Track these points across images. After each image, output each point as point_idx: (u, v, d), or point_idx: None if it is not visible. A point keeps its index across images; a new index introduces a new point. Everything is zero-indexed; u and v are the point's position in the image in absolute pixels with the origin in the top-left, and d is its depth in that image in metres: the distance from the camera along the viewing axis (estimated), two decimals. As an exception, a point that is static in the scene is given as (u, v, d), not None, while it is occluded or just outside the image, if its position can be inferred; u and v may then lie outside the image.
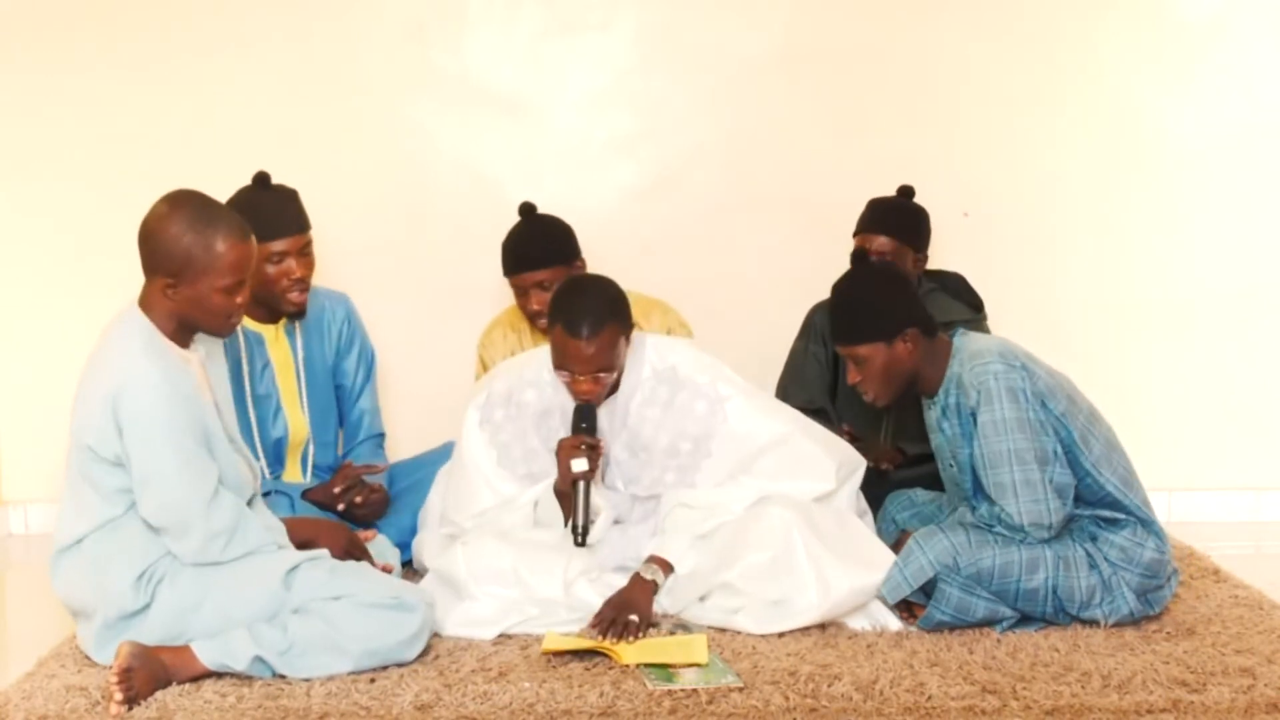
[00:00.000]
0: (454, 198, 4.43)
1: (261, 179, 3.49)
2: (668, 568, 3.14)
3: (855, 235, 3.92)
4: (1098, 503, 3.12)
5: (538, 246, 3.72)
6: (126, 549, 2.82)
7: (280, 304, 3.49)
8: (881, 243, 3.82)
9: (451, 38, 4.40)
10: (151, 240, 2.78)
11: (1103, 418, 3.19)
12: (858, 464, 3.38)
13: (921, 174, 4.15)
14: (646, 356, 3.30)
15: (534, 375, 3.33)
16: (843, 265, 4.06)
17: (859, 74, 4.41)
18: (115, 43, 4.31)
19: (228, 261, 2.76)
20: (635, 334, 3.33)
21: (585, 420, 3.17)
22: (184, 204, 2.78)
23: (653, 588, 3.11)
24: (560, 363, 3.15)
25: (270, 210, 3.41)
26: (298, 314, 3.55)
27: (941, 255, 4.14)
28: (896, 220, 3.87)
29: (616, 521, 3.30)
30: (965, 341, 3.17)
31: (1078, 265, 4.47)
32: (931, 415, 3.23)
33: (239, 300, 2.82)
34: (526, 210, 3.82)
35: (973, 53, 4.41)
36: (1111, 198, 4.45)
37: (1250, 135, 4.44)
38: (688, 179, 4.39)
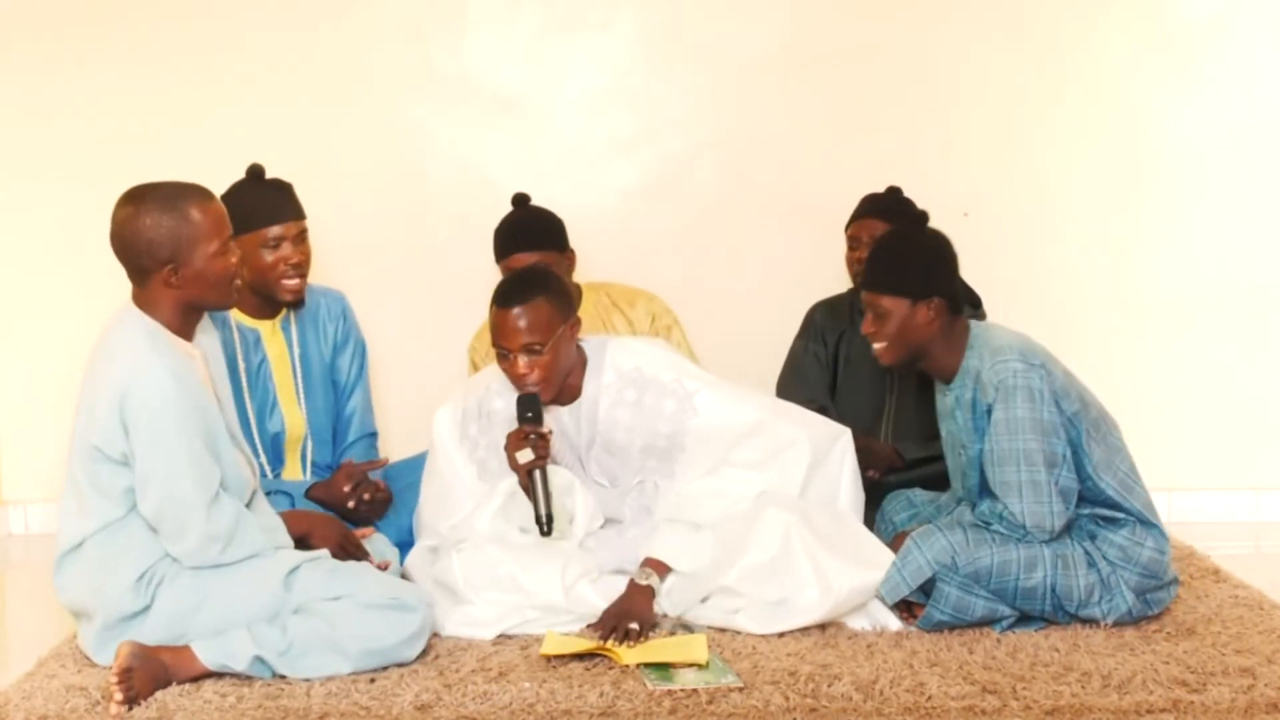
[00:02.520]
0: (453, 197, 4.43)
1: (255, 171, 3.52)
2: (664, 569, 3.14)
3: (848, 227, 3.94)
4: (1098, 502, 3.13)
5: (531, 231, 3.74)
6: (127, 551, 2.82)
7: (277, 292, 3.47)
8: (876, 226, 3.85)
9: (451, 38, 4.40)
10: (133, 241, 2.78)
11: (1111, 421, 3.19)
12: (838, 432, 3.34)
13: (921, 174, 4.15)
14: (608, 360, 3.29)
15: (500, 384, 3.31)
16: (842, 265, 4.09)
17: (859, 74, 4.41)
18: (115, 43, 4.31)
19: (208, 225, 2.79)
20: (595, 338, 3.35)
21: (529, 409, 3.14)
22: (143, 196, 2.80)
23: (650, 593, 3.11)
24: (495, 340, 3.14)
25: (265, 198, 3.45)
26: (295, 304, 3.53)
27: (941, 255, 4.15)
28: (889, 207, 3.91)
29: (610, 522, 3.30)
30: (984, 333, 3.17)
31: (1077, 265, 4.47)
32: (945, 402, 3.23)
33: (233, 260, 2.85)
34: (520, 199, 3.83)
35: (972, 53, 4.41)
36: (1111, 198, 4.45)
37: (1250, 135, 4.44)
38: (688, 179, 4.39)
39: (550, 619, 3.09)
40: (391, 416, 4.13)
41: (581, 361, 3.28)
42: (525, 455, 3.11)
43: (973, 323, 3.21)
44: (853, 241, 3.95)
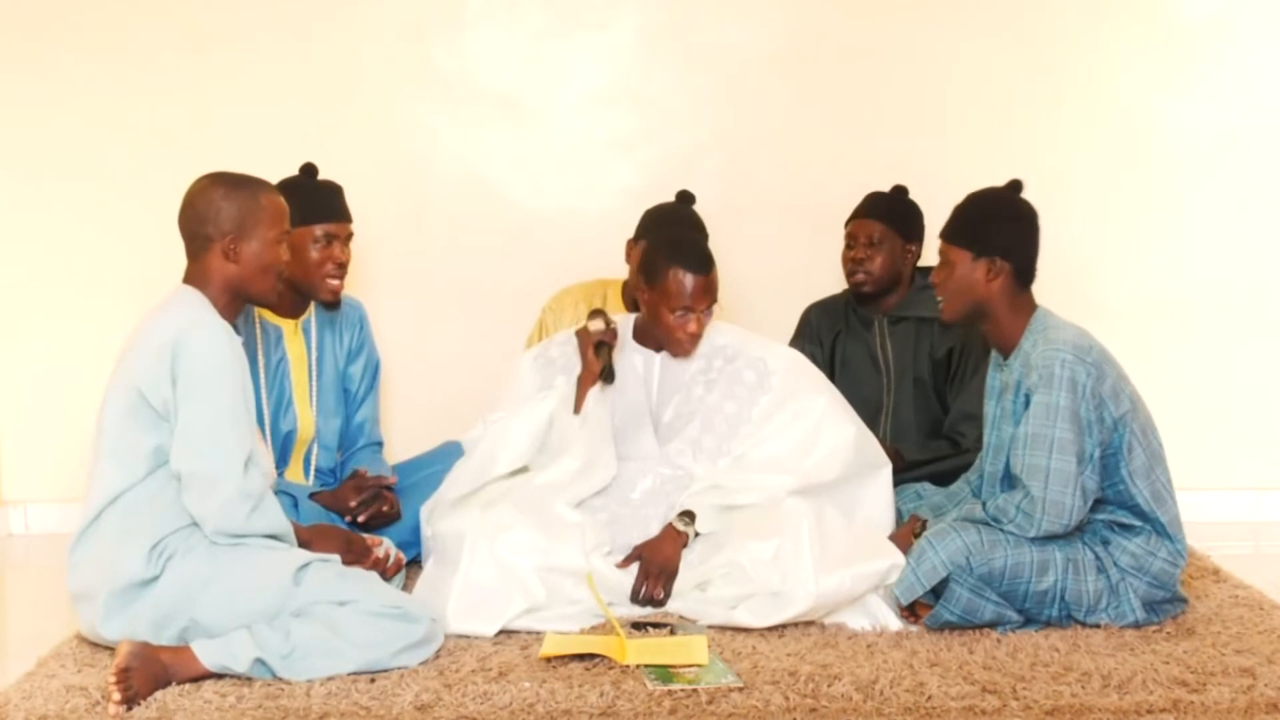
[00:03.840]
0: (454, 198, 4.43)
1: (309, 169, 3.59)
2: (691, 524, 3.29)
3: (847, 224, 3.96)
4: (1124, 507, 3.12)
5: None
6: (144, 519, 2.84)
7: (318, 290, 3.53)
8: (872, 227, 3.89)
9: (451, 38, 4.40)
10: (202, 210, 2.94)
11: (1156, 431, 3.18)
12: (880, 461, 3.47)
13: (921, 174, 4.15)
14: (709, 335, 3.50)
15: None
16: (839, 265, 4.08)
17: (859, 74, 4.42)
18: (115, 43, 4.31)
19: (273, 212, 2.99)
20: None
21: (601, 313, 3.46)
22: (219, 175, 3.00)
23: (683, 540, 3.25)
24: (689, 303, 3.35)
25: (319, 195, 3.54)
26: (332, 304, 3.60)
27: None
28: (888, 208, 3.94)
29: (617, 506, 3.37)
30: (1047, 319, 3.17)
31: (1077, 265, 4.46)
32: (998, 379, 3.24)
33: (285, 255, 3.02)
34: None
35: (972, 52, 4.42)
36: (1111, 198, 4.45)
37: (1250, 135, 4.44)
38: (688, 179, 4.39)
39: (556, 599, 3.11)
40: (390, 416, 4.13)
41: None
42: (597, 324, 3.43)
43: (1041, 307, 3.20)
44: (849, 240, 3.96)
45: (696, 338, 3.42)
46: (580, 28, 4.43)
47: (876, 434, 3.85)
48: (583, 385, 3.43)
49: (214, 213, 2.93)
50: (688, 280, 3.34)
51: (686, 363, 3.49)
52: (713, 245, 4.44)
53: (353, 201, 4.22)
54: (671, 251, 3.38)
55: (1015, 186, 3.28)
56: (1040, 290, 4.39)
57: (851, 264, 3.93)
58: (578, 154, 4.46)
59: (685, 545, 3.26)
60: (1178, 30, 4.42)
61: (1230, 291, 4.47)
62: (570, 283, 4.09)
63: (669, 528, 3.28)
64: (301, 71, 4.35)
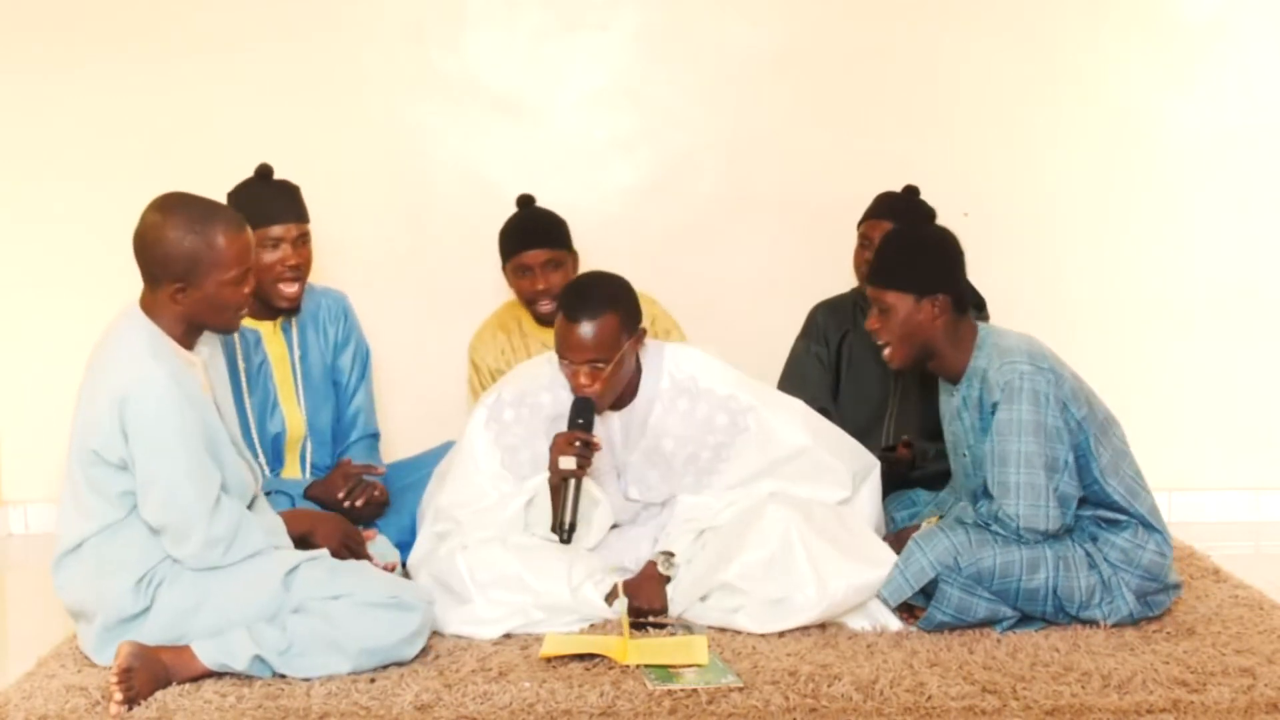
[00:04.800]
0: (454, 198, 4.43)
1: (263, 171, 3.54)
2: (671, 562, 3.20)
3: (860, 225, 3.94)
4: (1103, 505, 3.13)
5: (541, 228, 3.83)
6: (127, 553, 2.82)
7: (272, 296, 3.46)
8: (887, 227, 3.84)
9: (451, 38, 4.40)
10: (152, 249, 2.77)
11: (1117, 425, 3.19)
12: (871, 466, 3.40)
13: (921, 174, 4.14)
14: (665, 366, 3.29)
15: (549, 379, 3.29)
16: (842, 265, 4.09)
17: (859, 74, 4.41)
18: (114, 43, 4.31)
19: (231, 254, 2.78)
20: (652, 343, 3.34)
21: (582, 415, 3.13)
22: (175, 207, 2.79)
23: (662, 580, 3.16)
24: (559, 350, 3.14)
25: (268, 198, 3.47)
26: (291, 309, 3.53)
27: (941, 255, 4.15)
28: (904, 209, 3.90)
29: (614, 526, 3.30)
30: (992, 335, 3.17)
31: (1077, 265, 4.47)
32: (951, 404, 3.23)
33: (246, 291, 2.84)
34: (525, 200, 3.92)
35: (973, 53, 4.41)
36: (1111, 198, 4.45)
37: (1250, 135, 4.44)
38: (688, 179, 4.40)
39: (555, 619, 3.08)
40: (389, 416, 4.12)
41: (638, 366, 3.27)
42: (569, 463, 3.09)
43: (980, 324, 3.21)
44: (863, 240, 3.94)
45: (590, 389, 3.13)
46: (580, 28, 4.43)
47: (880, 433, 3.86)
48: (552, 493, 3.20)
49: (161, 255, 2.75)
50: (560, 326, 3.12)
51: (649, 409, 3.27)
52: (713, 245, 4.47)
53: (353, 202, 4.24)
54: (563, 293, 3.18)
55: (930, 215, 3.30)
56: (1040, 290, 4.42)
57: (866, 265, 3.93)
58: (578, 154, 4.45)
59: (668, 583, 3.17)
60: (1178, 30, 4.42)
61: (1230, 291, 4.47)
62: (495, 309, 4.08)
63: (650, 566, 3.19)
64: (301, 72, 4.34)
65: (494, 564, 3.09)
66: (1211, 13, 4.41)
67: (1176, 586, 3.19)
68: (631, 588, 3.13)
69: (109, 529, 2.82)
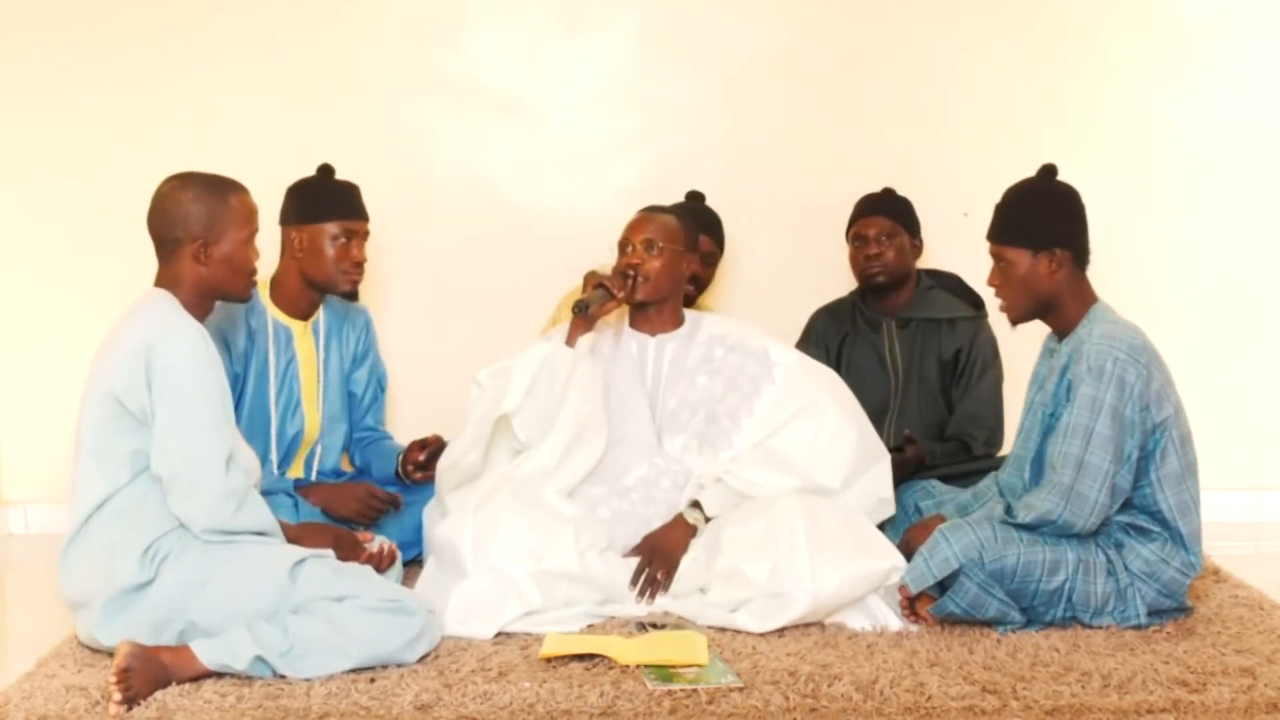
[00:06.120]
0: (454, 198, 4.43)
1: (327, 169, 3.60)
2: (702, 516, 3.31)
3: (851, 227, 3.97)
4: (1144, 511, 3.11)
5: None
6: (134, 522, 2.83)
7: (336, 282, 3.52)
8: (881, 223, 3.91)
9: (451, 38, 4.40)
10: (171, 212, 2.92)
11: (1193, 443, 3.17)
12: (881, 454, 3.46)
13: (921, 174, 4.15)
14: (705, 326, 3.53)
15: (615, 332, 3.53)
16: (841, 265, 4.09)
17: (859, 74, 4.41)
18: (115, 43, 4.31)
19: (244, 213, 2.98)
20: (692, 312, 3.58)
21: (592, 303, 3.38)
22: (186, 176, 2.98)
23: (690, 531, 3.28)
24: (623, 236, 3.44)
25: (337, 194, 3.55)
26: (350, 295, 3.63)
27: (942, 255, 4.15)
28: (890, 204, 3.96)
29: (615, 497, 3.36)
30: (1106, 314, 3.15)
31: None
32: (1044, 368, 3.24)
33: (255, 256, 3.01)
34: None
35: (973, 53, 4.42)
36: (1112, 198, 4.44)
37: (1250, 135, 4.44)
38: (688, 179, 4.39)
39: (549, 599, 3.09)
40: (391, 416, 4.11)
41: (679, 319, 3.53)
42: (607, 268, 3.48)
43: (1101, 301, 3.19)
44: (859, 240, 3.96)
45: (639, 265, 3.42)
46: (580, 28, 4.43)
47: (881, 436, 3.86)
48: (574, 327, 3.41)
49: (182, 216, 2.91)
50: (633, 218, 3.50)
51: (689, 349, 3.48)
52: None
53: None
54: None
55: (1049, 171, 3.26)
56: (1040, 290, 4.42)
57: (865, 261, 3.94)
58: (578, 154, 4.46)
59: (695, 535, 3.28)
60: (1178, 30, 4.42)
61: (1231, 291, 4.47)
62: (578, 281, 4.09)
63: (679, 517, 3.31)
64: (302, 72, 4.34)
65: (501, 526, 3.13)
66: (1211, 13, 4.41)
67: (1187, 610, 3.18)
68: (658, 534, 3.27)
69: (117, 496, 2.84)
